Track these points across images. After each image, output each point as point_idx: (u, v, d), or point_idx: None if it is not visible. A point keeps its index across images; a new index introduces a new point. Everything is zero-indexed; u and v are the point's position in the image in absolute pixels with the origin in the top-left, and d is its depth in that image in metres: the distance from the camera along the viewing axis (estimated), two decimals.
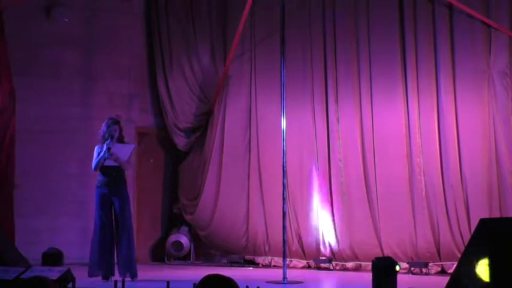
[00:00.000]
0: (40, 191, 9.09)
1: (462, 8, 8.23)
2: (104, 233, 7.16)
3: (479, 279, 4.51)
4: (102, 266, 7.12)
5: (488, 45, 8.18)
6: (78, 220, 9.14)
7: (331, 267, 8.61)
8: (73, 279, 6.09)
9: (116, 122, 7.33)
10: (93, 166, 7.32)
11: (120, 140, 7.34)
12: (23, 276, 5.94)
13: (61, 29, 9.36)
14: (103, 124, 7.36)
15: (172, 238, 9.76)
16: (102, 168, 7.25)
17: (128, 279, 6.89)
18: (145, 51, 10.16)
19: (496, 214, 7.80)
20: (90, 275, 7.09)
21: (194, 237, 9.89)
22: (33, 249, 8.13)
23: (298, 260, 8.98)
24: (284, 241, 7.34)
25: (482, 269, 4.49)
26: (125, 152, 7.28)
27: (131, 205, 7.46)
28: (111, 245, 7.18)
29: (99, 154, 7.27)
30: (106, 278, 7.08)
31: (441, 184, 8.23)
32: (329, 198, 8.85)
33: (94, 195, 7.36)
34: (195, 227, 9.86)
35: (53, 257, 7.87)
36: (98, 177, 7.34)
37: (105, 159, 7.22)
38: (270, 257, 9.18)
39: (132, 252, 7.21)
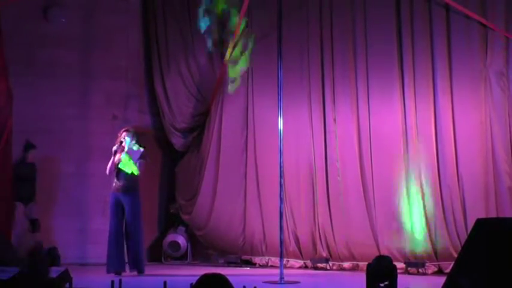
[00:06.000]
0: (37, 191, 9.07)
1: (459, 9, 8.25)
2: (115, 235, 7.78)
3: None
4: (114, 263, 7.71)
5: (485, 45, 8.20)
6: (75, 220, 9.13)
7: (328, 267, 8.61)
8: (70, 279, 6.09)
9: (126, 130, 8.00)
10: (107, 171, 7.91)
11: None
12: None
13: (58, 29, 9.36)
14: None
15: (169, 238, 9.77)
16: (116, 174, 7.82)
17: (134, 273, 7.70)
18: (142, 51, 10.17)
19: (493, 214, 7.81)
20: (107, 271, 7.73)
21: (191, 237, 9.90)
22: None
23: (295, 260, 8.99)
24: (281, 241, 7.35)
25: None
26: (134, 156, 7.83)
27: (141, 208, 7.93)
28: (122, 245, 7.78)
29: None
30: (118, 273, 7.63)
31: (438, 184, 8.24)
32: (326, 198, 8.86)
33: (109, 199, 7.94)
34: (192, 227, 9.87)
35: (50, 257, 7.88)
36: (113, 183, 7.86)
37: (116, 164, 7.81)
38: (267, 257, 9.19)
39: (140, 250, 7.86)
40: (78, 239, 9.03)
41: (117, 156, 7.83)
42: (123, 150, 7.86)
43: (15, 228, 8.54)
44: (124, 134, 7.94)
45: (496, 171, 7.98)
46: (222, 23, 9.77)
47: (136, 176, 7.82)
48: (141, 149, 7.92)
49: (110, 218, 7.84)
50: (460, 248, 6.27)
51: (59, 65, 9.37)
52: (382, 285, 5.56)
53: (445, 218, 8.16)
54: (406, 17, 8.59)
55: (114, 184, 7.84)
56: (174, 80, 9.92)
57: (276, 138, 7.71)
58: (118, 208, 7.77)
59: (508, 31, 8.08)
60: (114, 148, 7.87)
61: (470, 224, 6.66)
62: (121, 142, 7.88)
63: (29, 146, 8.72)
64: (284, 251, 7.62)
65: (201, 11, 8.50)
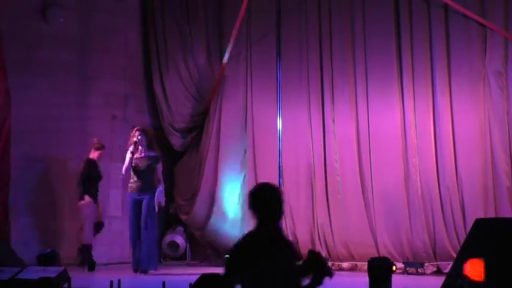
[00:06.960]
0: (36, 191, 9.06)
1: (457, 8, 8.25)
2: (134, 235, 7.87)
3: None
4: (134, 263, 7.94)
5: (484, 45, 8.20)
6: (74, 221, 9.10)
7: None
8: (68, 280, 6.09)
9: (137, 129, 8.07)
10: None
11: (150, 146, 8.02)
12: (18, 276, 5.93)
13: (57, 29, 9.34)
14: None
15: (168, 238, 9.76)
16: (133, 174, 7.90)
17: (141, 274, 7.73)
18: (141, 51, 10.14)
19: (491, 214, 7.81)
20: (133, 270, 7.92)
21: (190, 237, 9.88)
22: (29, 249, 8.12)
23: None
24: None
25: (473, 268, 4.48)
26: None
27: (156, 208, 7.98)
28: (140, 243, 7.85)
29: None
30: (135, 271, 7.81)
31: (437, 184, 8.24)
32: (325, 198, 8.85)
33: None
34: (190, 227, 9.85)
35: (48, 258, 7.86)
36: (129, 183, 7.97)
37: (132, 165, 7.89)
38: None
39: (153, 249, 7.94)
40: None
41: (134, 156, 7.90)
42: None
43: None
44: (137, 133, 7.97)
45: (495, 171, 7.99)
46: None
47: (153, 176, 7.96)
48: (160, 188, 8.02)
49: (129, 218, 7.99)
50: (459, 248, 6.27)
51: (58, 65, 9.35)
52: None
53: (444, 218, 8.16)
54: (405, 17, 8.59)
55: (130, 184, 7.93)
56: (172, 80, 9.91)
57: (274, 138, 7.73)
58: (136, 208, 7.84)
59: (507, 31, 8.09)
60: (131, 149, 7.87)
61: (469, 224, 6.63)
62: (135, 142, 7.90)
63: (100, 146, 8.74)
64: None
65: None
